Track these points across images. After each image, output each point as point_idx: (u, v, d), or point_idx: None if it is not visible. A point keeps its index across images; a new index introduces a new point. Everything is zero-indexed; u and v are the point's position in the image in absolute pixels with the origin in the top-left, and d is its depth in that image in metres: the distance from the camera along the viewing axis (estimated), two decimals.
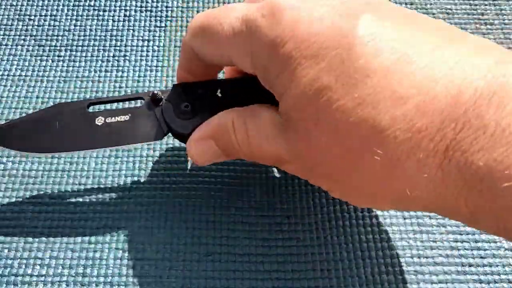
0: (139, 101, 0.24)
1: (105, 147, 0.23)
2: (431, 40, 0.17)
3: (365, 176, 0.18)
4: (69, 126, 0.23)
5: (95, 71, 0.30)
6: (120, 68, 0.30)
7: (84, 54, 0.31)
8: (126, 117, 0.23)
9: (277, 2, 0.18)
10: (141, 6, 0.33)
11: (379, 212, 0.25)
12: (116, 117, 0.23)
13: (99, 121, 0.23)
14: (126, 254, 0.23)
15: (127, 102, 0.25)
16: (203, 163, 0.23)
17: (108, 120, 0.23)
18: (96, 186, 0.26)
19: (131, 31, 0.32)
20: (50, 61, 0.30)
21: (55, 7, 0.32)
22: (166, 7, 0.33)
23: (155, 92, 0.23)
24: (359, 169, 0.18)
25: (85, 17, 0.32)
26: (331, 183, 0.20)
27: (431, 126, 0.15)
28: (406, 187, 0.17)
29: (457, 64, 0.16)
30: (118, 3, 0.33)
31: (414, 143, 0.16)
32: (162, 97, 0.23)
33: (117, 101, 0.24)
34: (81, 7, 0.33)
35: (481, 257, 0.24)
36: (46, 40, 0.31)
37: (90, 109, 0.24)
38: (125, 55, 0.31)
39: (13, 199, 0.25)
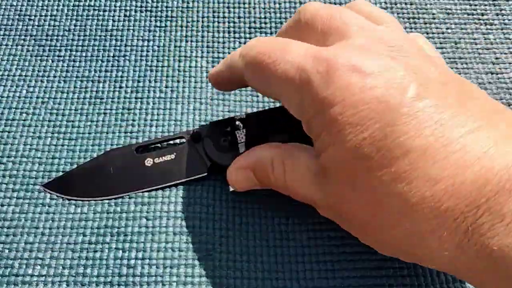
0: (178, 139, 0.26)
1: (156, 186, 0.25)
2: (471, 121, 0.18)
3: (391, 241, 0.19)
4: (121, 170, 0.25)
5: (95, 71, 0.30)
6: (120, 68, 0.30)
7: (84, 54, 0.31)
8: (172, 156, 0.25)
9: (333, 61, 0.19)
10: (141, 6, 0.33)
11: None
12: (163, 157, 0.25)
13: (148, 162, 0.25)
14: (126, 254, 0.23)
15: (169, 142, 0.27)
16: (241, 189, 0.24)
17: (156, 160, 0.25)
18: None
19: (131, 31, 0.32)
20: (50, 61, 0.30)
21: (55, 7, 0.32)
22: (166, 7, 0.33)
23: (195, 130, 0.26)
24: (387, 233, 0.19)
25: (85, 17, 0.32)
26: (361, 235, 0.21)
27: (456, 209, 0.17)
28: (427, 259, 0.19)
29: (487, 151, 0.17)
30: (118, 3, 0.33)
31: (439, 222, 0.17)
32: (201, 134, 0.25)
33: (161, 142, 0.26)
34: (81, 7, 0.33)
35: None
36: (46, 40, 0.31)
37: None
38: (125, 55, 0.31)
39: (14, 200, 0.25)
